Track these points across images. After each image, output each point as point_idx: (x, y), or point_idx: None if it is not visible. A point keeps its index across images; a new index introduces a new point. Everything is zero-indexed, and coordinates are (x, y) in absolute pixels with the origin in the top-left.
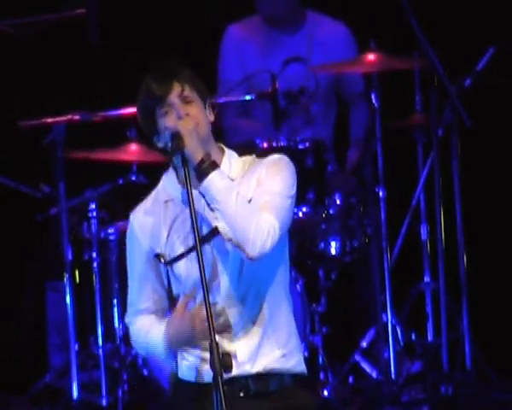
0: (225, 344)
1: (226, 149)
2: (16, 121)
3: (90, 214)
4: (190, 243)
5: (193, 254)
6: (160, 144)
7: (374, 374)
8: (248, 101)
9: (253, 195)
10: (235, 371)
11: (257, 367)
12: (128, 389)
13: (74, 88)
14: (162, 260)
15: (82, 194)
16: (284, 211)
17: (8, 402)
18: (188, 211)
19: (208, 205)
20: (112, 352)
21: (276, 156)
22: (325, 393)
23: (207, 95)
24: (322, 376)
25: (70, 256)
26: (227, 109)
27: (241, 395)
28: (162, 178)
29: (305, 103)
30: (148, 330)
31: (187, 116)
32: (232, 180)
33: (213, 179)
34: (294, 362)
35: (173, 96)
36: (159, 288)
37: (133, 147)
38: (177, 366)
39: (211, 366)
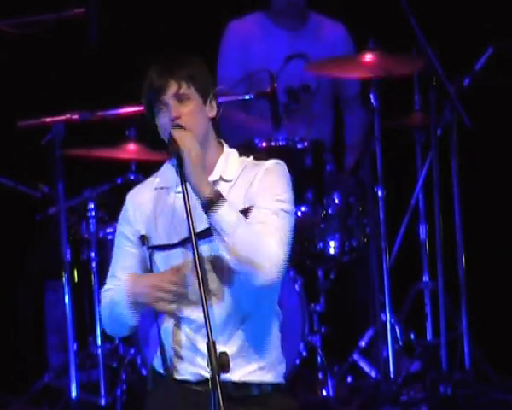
0: (200, 346)
1: (225, 147)
2: (15, 121)
3: (88, 214)
4: (174, 238)
5: (174, 251)
6: (160, 136)
7: (373, 374)
8: (247, 100)
9: (253, 208)
10: (211, 375)
11: (233, 377)
12: (126, 389)
13: (73, 87)
14: (145, 243)
15: (81, 194)
16: (286, 227)
17: (8, 402)
18: (179, 205)
19: (211, 225)
20: (110, 352)
21: (272, 163)
22: (324, 393)
23: (210, 88)
24: (320, 375)
25: (69, 256)
26: (227, 107)
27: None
28: (164, 164)
29: (305, 101)
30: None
31: (180, 119)
32: (226, 182)
33: (223, 215)
34: (272, 375)
35: (168, 96)
36: (140, 269)
37: (132, 146)
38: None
39: (208, 365)
